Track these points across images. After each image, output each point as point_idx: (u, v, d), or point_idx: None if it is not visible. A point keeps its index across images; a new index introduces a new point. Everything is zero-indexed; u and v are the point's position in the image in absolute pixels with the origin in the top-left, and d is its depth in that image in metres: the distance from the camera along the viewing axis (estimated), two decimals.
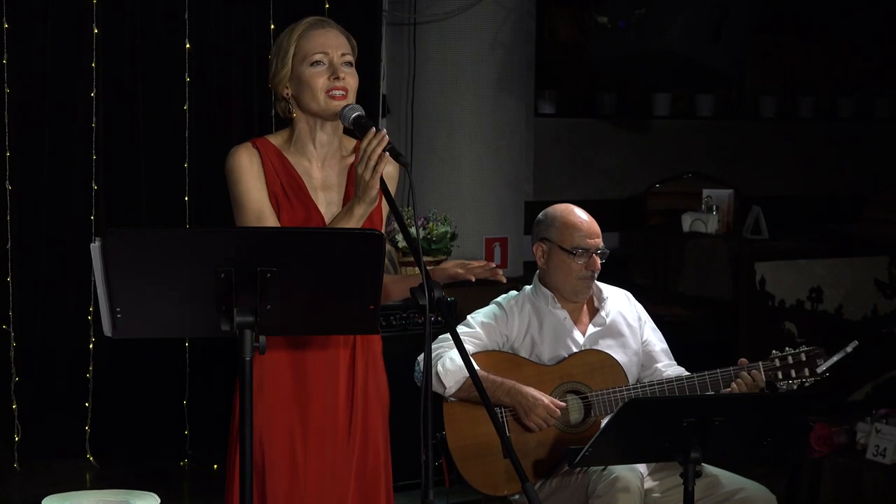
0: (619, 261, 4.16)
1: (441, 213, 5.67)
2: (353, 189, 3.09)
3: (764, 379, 3.81)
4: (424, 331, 2.72)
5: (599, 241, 4.02)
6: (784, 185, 8.27)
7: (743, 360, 3.87)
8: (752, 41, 6.31)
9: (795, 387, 3.84)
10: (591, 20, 6.18)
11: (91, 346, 5.70)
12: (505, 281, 3.29)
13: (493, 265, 3.19)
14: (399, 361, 5.05)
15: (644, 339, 4.12)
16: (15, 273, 5.58)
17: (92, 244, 2.58)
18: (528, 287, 4.12)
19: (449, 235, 5.57)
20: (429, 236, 5.50)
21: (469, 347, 3.93)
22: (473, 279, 3.17)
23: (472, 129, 6.38)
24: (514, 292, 4.13)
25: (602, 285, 4.13)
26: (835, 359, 3.81)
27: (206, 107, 5.89)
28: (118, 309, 2.60)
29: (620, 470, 3.70)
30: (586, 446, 3.25)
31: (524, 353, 4.00)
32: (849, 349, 3.82)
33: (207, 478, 5.58)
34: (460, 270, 3.17)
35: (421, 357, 3.88)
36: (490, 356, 3.96)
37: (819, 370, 3.81)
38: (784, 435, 3.66)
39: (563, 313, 4.04)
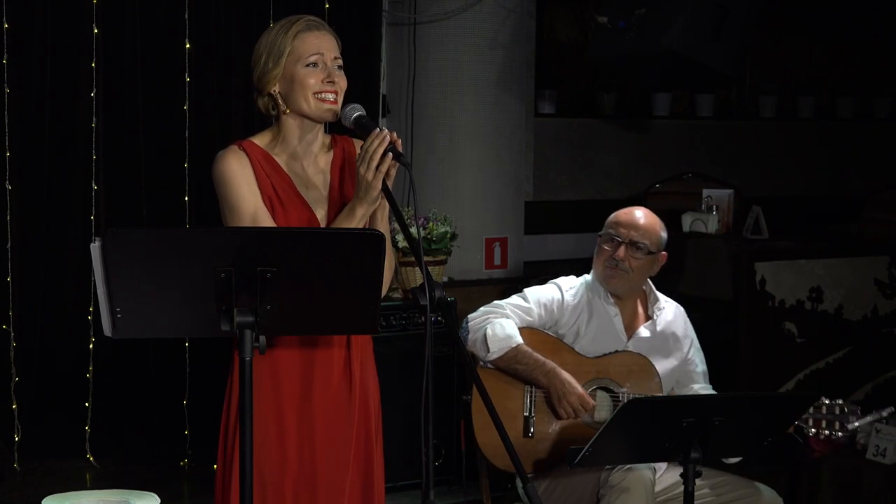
0: (661, 267, 4.14)
1: (441, 213, 5.67)
2: (336, 182, 3.10)
3: (794, 422, 3.75)
4: (425, 331, 2.72)
5: (632, 233, 4.04)
6: (784, 185, 8.26)
7: None
8: (753, 41, 6.31)
9: (822, 437, 3.80)
10: (591, 20, 6.17)
11: (91, 346, 5.70)
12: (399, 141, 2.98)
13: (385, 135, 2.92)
14: (399, 361, 5.09)
15: (688, 357, 4.12)
16: (15, 273, 5.58)
17: (92, 244, 2.58)
18: (588, 276, 4.13)
19: (449, 235, 5.56)
20: (429, 236, 5.50)
21: (517, 321, 3.98)
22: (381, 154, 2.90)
23: (472, 129, 6.38)
24: (573, 277, 4.14)
25: (660, 295, 4.15)
26: (868, 419, 3.78)
27: (206, 107, 5.89)
28: (118, 309, 2.60)
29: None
30: (587, 446, 3.26)
31: (567, 341, 4.02)
32: (885, 414, 3.80)
33: (207, 478, 5.56)
34: (363, 169, 2.92)
35: (472, 315, 3.97)
36: (534, 334, 3.99)
37: (850, 427, 3.75)
38: (784, 435, 3.66)
39: (614, 310, 4.05)
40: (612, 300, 4.05)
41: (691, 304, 6.36)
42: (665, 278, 6.54)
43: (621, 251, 4.01)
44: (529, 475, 3.91)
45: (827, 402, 3.79)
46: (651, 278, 4.18)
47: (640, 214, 4.10)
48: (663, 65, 5.89)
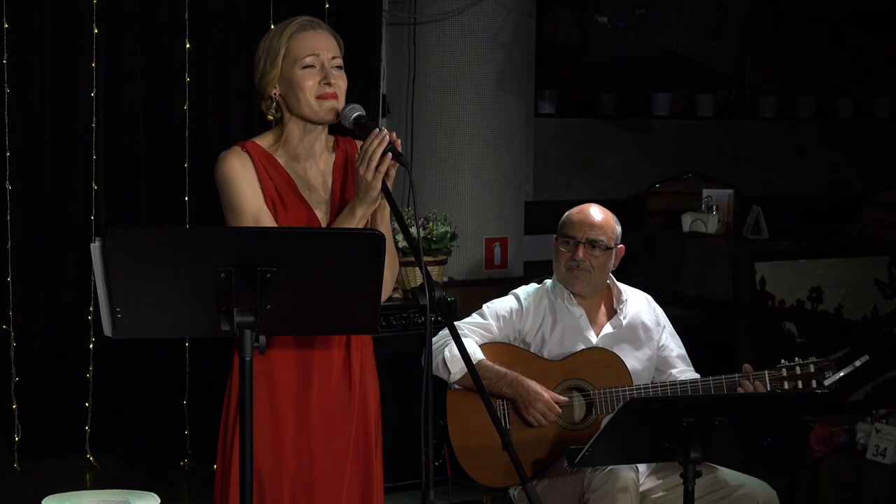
0: (620, 260, 4.18)
1: (441, 213, 5.67)
2: (338, 184, 3.10)
3: (768, 389, 3.79)
4: (425, 331, 2.72)
5: (589, 233, 4.04)
6: (784, 185, 8.26)
7: (747, 366, 3.86)
8: (753, 41, 6.31)
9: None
10: (591, 20, 6.17)
11: (91, 346, 5.70)
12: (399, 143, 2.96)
13: (384, 135, 2.91)
14: (399, 361, 5.08)
15: (661, 343, 4.12)
16: (15, 273, 5.58)
17: (92, 244, 2.58)
18: (548, 281, 4.14)
19: (449, 235, 5.56)
20: (429, 236, 5.50)
21: (477, 339, 3.98)
22: (380, 154, 2.89)
23: (472, 129, 6.38)
24: (533, 285, 4.15)
25: (623, 286, 4.16)
26: (843, 373, 3.79)
27: (206, 107, 5.89)
28: (118, 309, 2.60)
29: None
30: (586, 446, 3.26)
31: (534, 348, 4.02)
32: (857, 364, 3.80)
33: (207, 478, 5.55)
34: (363, 169, 2.91)
35: (433, 339, 3.94)
36: (497, 347, 3.98)
37: (827, 383, 3.78)
38: (784, 435, 3.66)
39: (579, 311, 4.05)
40: (575, 301, 4.05)
41: (691, 304, 6.39)
42: (665, 278, 6.58)
43: (580, 251, 4.01)
44: (517, 485, 3.92)
45: (801, 361, 3.82)
46: (620, 273, 4.20)
47: (593, 212, 4.11)
48: (663, 65, 5.89)
